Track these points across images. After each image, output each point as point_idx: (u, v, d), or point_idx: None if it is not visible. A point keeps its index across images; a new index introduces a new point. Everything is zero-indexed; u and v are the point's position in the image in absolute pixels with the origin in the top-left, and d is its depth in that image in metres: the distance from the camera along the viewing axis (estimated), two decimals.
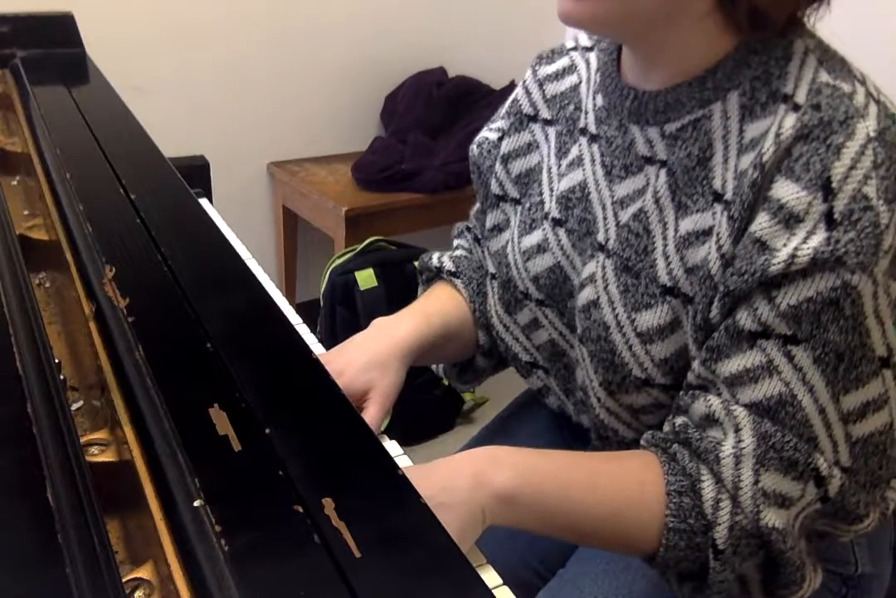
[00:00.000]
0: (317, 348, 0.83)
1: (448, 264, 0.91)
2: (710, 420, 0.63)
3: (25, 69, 1.02)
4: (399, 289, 1.88)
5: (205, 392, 0.48)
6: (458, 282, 0.90)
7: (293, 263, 2.26)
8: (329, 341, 1.91)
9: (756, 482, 0.59)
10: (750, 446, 0.60)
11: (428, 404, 1.93)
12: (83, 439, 0.49)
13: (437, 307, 0.87)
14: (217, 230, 0.70)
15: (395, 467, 0.44)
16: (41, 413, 0.47)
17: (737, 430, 0.61)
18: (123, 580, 0.40)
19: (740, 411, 0.61)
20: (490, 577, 0.60)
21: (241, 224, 1.74)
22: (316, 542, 0.38)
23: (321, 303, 1.91)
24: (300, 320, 0.88)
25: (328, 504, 0.41)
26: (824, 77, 0.60)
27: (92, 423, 0.54)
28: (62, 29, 1.11)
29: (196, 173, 1.13)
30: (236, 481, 0.42)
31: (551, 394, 0.87)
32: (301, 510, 0.40)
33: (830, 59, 0.63)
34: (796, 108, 0.60)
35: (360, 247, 1.89)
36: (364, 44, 2.16)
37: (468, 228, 0.96)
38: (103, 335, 0.55)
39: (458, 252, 0.93)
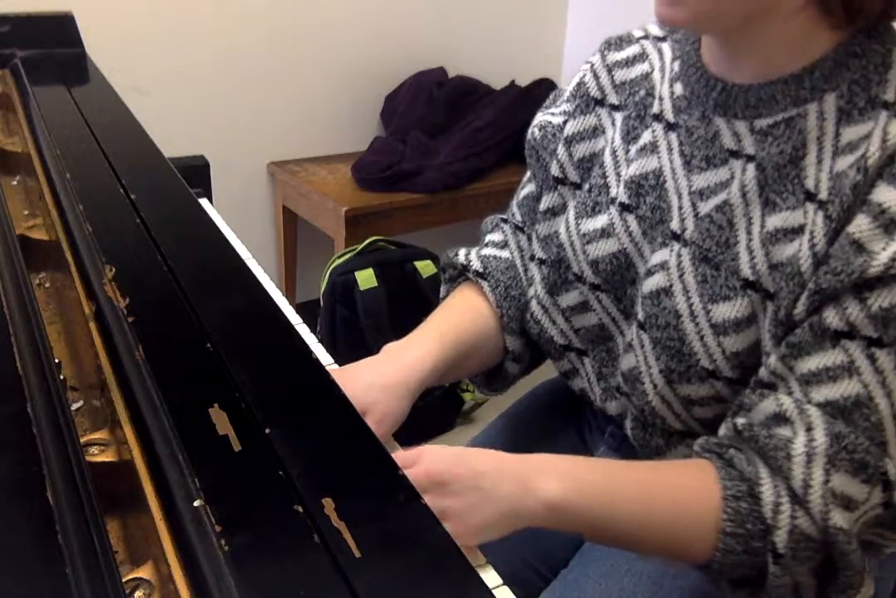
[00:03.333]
0: (317, 348, 0.83)
1: (475, 264, 0.88)
2: (778, 419, 0.63)
3: (25, 69, 1.02)
4: (399, 289, 1.88)
5: (205, 392, 0.48)
6: (485, 285, 0.87)
7: (293, 263, 2.26)
8: (329, 341, 1.91)
9: (826, 482, 0.59)
10: (823, 445, 0.59)
11: (428, 404, 1.92)
12: (83, 439, 0.49)
13: (452, 324, 0.83)
14: (217, 230, 0.70)
15: (396, 467, 0.44)
16: (41, 413, 0.47)
17: (808, 429, 0.60)
18: (123, 580, 0.40)
19: (813, 411, 0.61)
20: (490, 577, 0.60)
21: (241, 224, 1.75)
22: (316, 542, 0.38)
23: (321, 303, 1.91)
24: (300, 320, 0.88)
25: (328, 504, 0.40)
26: None
27: (92, 423, 0.54)
28: (62, 29, 1.11)
29: (196, 173, 1.13)
30: (236, 481, 0.42)
31: (578, 376, 0.86)
32: (301, 510, 0.40)
33: None
34: None
35: (360, 247, 1.89)
36: (364, 44, 2.16)
37: (504, 220, 0.93)
38: (103, 335, 0.55)
39: (487, 251, 0.90)
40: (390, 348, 0.79)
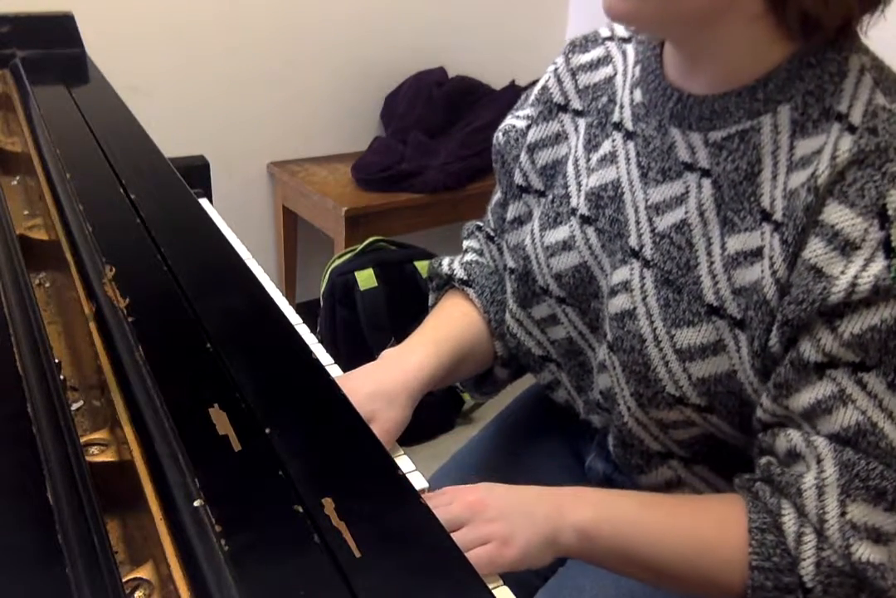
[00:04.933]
0: (317, 348, 0.83)
1: (459, 272, 0.88)
2: (792, 455, 0.62)
3: (25, 69, 1.02)
4: (399, 289, 1.88)
5: (205, 392, 0.48)
6: (470, 292, 0.87)
7: (293, 263, 2.26)
8: (329, 341, 1.91)
9: (843, 514, 0.57)
10: (833, 476, 0.58)
11: (428, 404, 1.91)
12: (83, 439, 0.49)
13: (446, 331, 0.83)
14: (217, 230, 0.70)
15: (395, 467, 0.44)
16: (41, 413, 0.47)
17: (818, 461, 0.59)
18: (123, 580, 0.40)
19: (821, 442, 0.59)
20: (490, 577, 0.60)
21: (241, 224, 1.75)
22: (316, 542, 0.38)
23: (321, 303, 1.91)
24: (300, 320, 0.88)
25: (328, 504, 0.41)
26: (881, 99, 0.59)
27: (92, 423, 0.54)
28: (62, 29, 1.11)
29: (196, 173, 1.13)
30: (236, 481, 0.42)
31: (561, 388, 0.86)
32: (301, 510, 0.40)
33: (886, 79, 0.61)
34: (852, 129, 0.59)
35: (360, 247, 1.89)
36: (364, 44, 2.16)
37: (479, 227, 0.93)
38: (103, 335, 0.55)
39: (469, 257, 0.90)
40: (388, 355, 0.79)
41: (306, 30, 2.07)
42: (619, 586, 0.75)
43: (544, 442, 0.94)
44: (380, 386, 0.73)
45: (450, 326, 0.84)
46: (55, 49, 1.11)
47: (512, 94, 2.17)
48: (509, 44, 2.40)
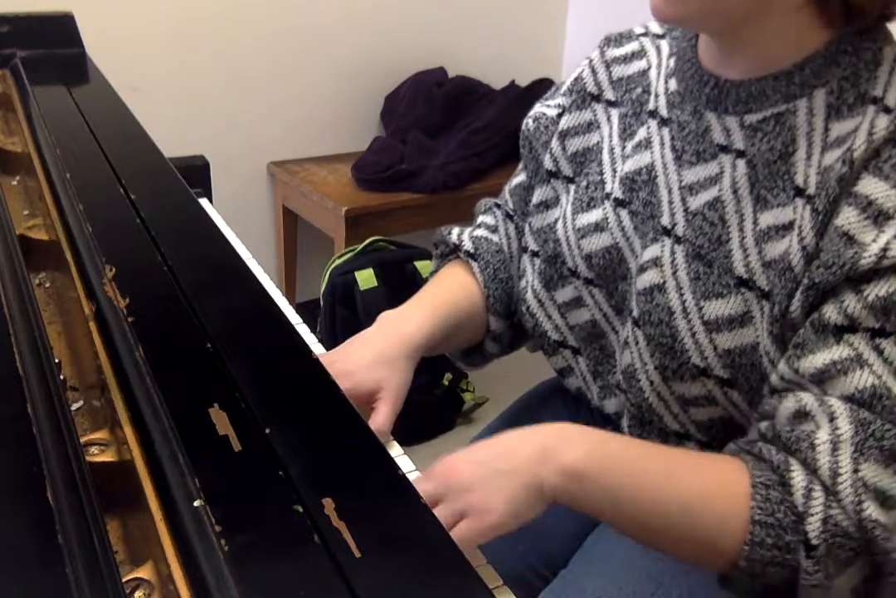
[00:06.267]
0: (317, 348, 0.83)
1: (467, 243, 0.89)
2: (800, 416, 0.61)
3: (25, 69, 1.02)
4: (399, 289, 1.88)
5: (205, 392, 0.48)
6: (474, 265, 0.88)
7: (293, 263, 2.26)
8: (329, 341, 1.91)
9: (856, 471, 0.56)
10: (848, 432, 0.57)
11: (428, 404, 1.93)
12: (83, 439, 0.49)
13: (444, 298, 0.85)
14: (217, 230, 0.70)
15: (396, 467, 0.44)
16: (41, 413, 0.47)
17: (832, 419, 0.58)
18: (123, 580, 0.40)
19: (835, 401, 0.59)
20: (490, 577, 0.60)
21: (241, 224, 1.75)
22: (316, 542, 0.38)
23: (321, 303, 1.91)
24: (300, 320, 0.88)
25: (328, 504, 0.40)
26: None
27: (92, 423, 0.54)
28: (62, 29, 1.11)
29: (196, 173, 1.13)
30: (236, 481, 0.42)
31: (573, 375, 0.86)
32: (301, 509, 0.40)
33: None
34: (887, 110, 0.61)
35: (360, 247, 1.89)
36: (364, 44, 2.16)
37: (497, 205, 0.94)
38: (103, 335, 0.54)
39: (480, 232, 0.91)
40: (386, 318, 0.80)
41: (306, 30, 2.07)
42: (621, 586, 0.75)
43: None
44: (380, 354, 0.75)
45: (448, 295, 0.86)
46: (55, 49, 1.11)
47: (512, 95, 2.17)
48: (509, 44, 2.40)
